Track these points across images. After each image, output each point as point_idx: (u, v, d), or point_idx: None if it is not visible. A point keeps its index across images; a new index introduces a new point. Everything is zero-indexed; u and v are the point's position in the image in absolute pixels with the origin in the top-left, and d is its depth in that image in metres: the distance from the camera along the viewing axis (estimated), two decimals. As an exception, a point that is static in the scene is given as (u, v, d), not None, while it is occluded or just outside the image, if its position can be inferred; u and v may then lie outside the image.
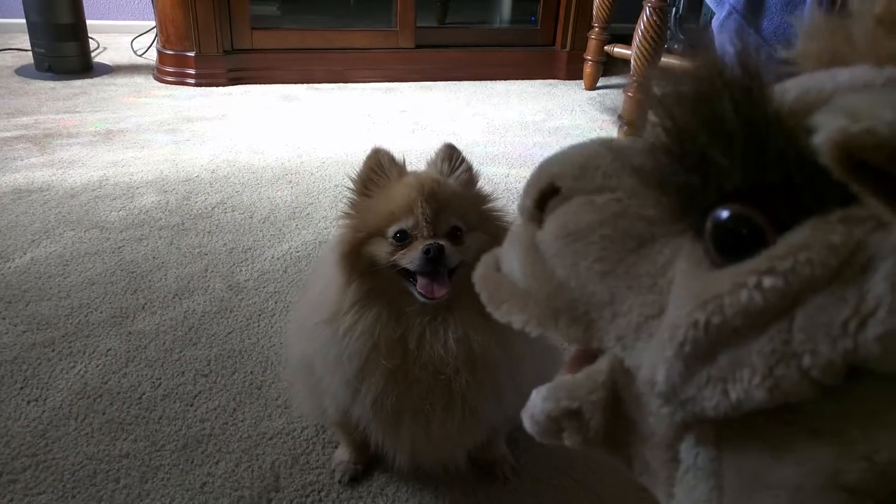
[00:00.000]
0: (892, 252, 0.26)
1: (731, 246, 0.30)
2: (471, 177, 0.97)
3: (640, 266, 0.34)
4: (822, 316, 0.28)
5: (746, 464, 0.32)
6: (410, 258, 0.86)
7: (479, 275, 0.44)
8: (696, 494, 0.34)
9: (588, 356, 0.39)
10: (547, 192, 0.39)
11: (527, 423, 0.41)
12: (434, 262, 0.85)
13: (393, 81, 3.21)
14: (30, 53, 3.03)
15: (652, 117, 0.32)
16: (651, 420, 0.35)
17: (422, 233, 0.88)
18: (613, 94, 3.14)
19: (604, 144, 0.39)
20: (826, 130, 0.26)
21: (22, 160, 2.15)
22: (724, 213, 0.30)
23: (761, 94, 0.30)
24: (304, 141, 2.44)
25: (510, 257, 0.42)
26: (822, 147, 0.26)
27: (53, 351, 1.32)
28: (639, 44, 2.19)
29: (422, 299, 0.87)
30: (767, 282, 0.28)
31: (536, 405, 0.40)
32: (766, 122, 0.29)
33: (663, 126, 0.32)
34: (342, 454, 1.10)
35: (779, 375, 0.28)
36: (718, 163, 0.30)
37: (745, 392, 0.30)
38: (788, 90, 0.32)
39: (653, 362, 0.33)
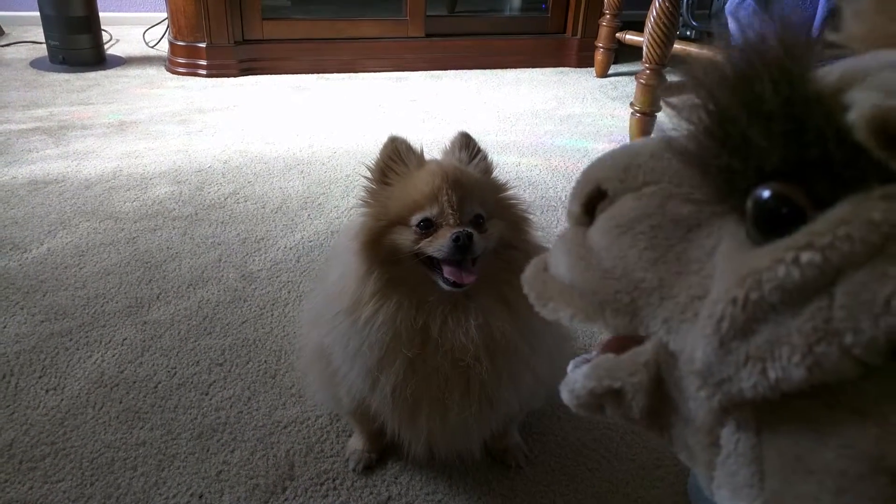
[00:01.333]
0: None
1: (772, 224, 0.30)
2: (488, 165, 0.97)
3: (690, 252, 0.35)
4: (864, 293, 0.27)
5: (788, 448, 0.31)
6: (438, 246, 0.86)
7: (528, 276, 0.44)
8: (738, 480, 0.34)
9: (622, 343, 0.40)
10: (594, 196, 0.40)
11: (565, 397, 0.41)
12: (463, 250, 0.85)
13: (403, 71, 3.21)
14: (44, 46, 3.04)
15: (694, 100, 0.33)
16: (692, 405, 0.35)
17: (447, 220, 0.87)
18: (625, 82, 3.11)
19: (644, 142, 0.40)
20: (860, 106, 0.26)
21: (37, 152, 2.16)
22: (765, 193, 0.30)
23: (801, 74, 0.29)
24: (315, 131, 2.44)
25: (557, 258, 0.42)
26: (856, 122, 0.26)
27: (71, 340, 1.34)
28: (651, 30, 2.17)
29: (448, 287, 0.87)
30: (805, 257, 0.28)
31: (578, 381, 0.40)
32: (805, 101, 0.29)
33: (705, 108, 0.32)
34: (356, 443, 1.11)
35: (819, 353, 0.28)
36: (758, 143, 0.30)
37: (783, 370, 0.29)
38: (833, 72, 0.32)
39: (693, 341, 0.33)
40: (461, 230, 0.85)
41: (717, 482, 0.35)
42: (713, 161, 0.32)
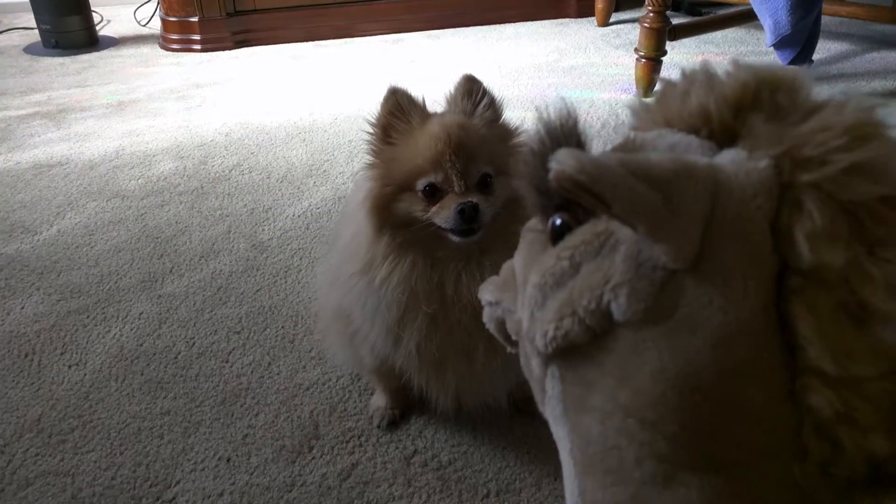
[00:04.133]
0: (627, 239, 0.43)
1: (558, 237, 0.48)
2: (495, 112, 0.94)
3: (541, 258, 0.50)
4: (589, 279, 0.44)
5: (576, 393, 0.47)
6: (444, 217, 0.86)
7: (484, 289, 0.63)
8: (556, 413, 0.49)
9: None
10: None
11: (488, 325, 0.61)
12: (469, 221, 0.85)
13: (400, 32, 3.16)
14: (36, 31, 3.01)
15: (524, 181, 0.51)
16: (532, 362, 0.51)
17: (452, 187, 0.87)
18: (627, 29, 3.06)
19: None
20: (551, 174, 0.40)
21: (39, 136, 2.15)
22: (557, 220, 0.48)
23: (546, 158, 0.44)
24: (314, 99, 2.41)
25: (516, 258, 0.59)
26: (551, 181, 0.40)
27: (88, 317, 1.34)
28: (651, -27, 2.12)
29: (457, 239, 0.87)
30: (565, 254, 0.46)
31: (487, 315, 0.60)
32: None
33: (531, 172, 0.50)
34: (379, 400, 1.11)
35: (563, 320, 0.45)
36: (547, 193, 0.48)
37: (545, 332, 0.46)
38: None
39: (519, 314, 0.51)
40: (466, 202, 0.85)
41: (547, 415, 0.51)
42: (537, 200, 0.50)
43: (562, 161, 0.38)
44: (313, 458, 1.04)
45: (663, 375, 0.41)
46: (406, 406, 1.11)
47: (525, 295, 0.49)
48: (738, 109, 0.44)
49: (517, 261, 0.54)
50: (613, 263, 0.43)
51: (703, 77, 0.46)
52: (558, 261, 0.46)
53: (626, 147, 0.48)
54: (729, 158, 0.42)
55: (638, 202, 0.39)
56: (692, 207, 0.39)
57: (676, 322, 0.41)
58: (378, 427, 1.09)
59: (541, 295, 0.47)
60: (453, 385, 0.98)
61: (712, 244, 0.40)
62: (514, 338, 0.56)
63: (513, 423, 1.10)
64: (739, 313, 0.39)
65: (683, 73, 0.48)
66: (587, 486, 0.47)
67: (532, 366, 0.51)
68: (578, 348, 0.45)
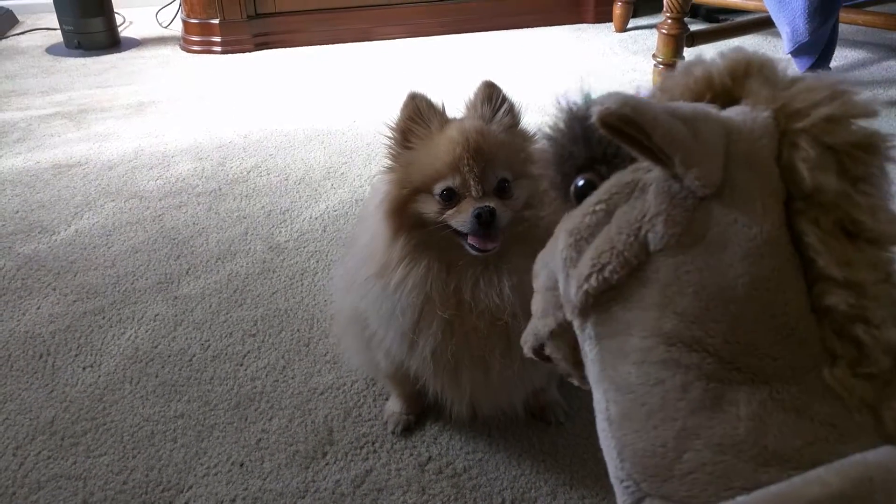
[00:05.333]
0: (657, 179, 0.49)
1: (582, 197, 0.54)
2: (514, 118, 0.93)
3: (562, 225, 0.57)
4: (625, 217, 0.50)
5: (613, 344, 0.51)
6: (461, 220, 0.85)
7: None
8: (594, 375, 0.53)
9: None
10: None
11: (524, 345, 0.63)
12: (486, 225, 0.84)
13: (418, 36, 3.15)
14: (58, 32, 3.04)
15: (547, 146, 0.59)
16: (579, 335, 0.55)
17: (470, 191, 0.86)
18: (645, 35, 3.03)
19: None
20: (594, 115, 0.46)
21: (59, 136, 2.17)
22: (580, 181, 0.55)
23: (586, 116, 0.53)
24: (333, 101, 2.41)
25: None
26: (595, 124, 0.47)
27: (104, 318, 1.34)
28: (672, -22, 2.10)
29: (474, 252, 0.86)
30: (599, 207, 0.52)
31: (528, 330, 0.62)
32: (590, 127, 0.52)
33: (553, 147, 0.58)
34: (394, 405, 1.10)
35: (601, 257, 0.50)
36: (574, 153, 0.56)
37: (582, 277, 0.51)
38: None
39: (560, 283, 0.55)
40: (483, 206, 0.84)
41: (588, 379, 0.55)
42: (555, 175, 0.58)
43: (606, 101, 0.45)
44: (327, 464, 1.03)
45: (705, 292, 0.47)
46: (421, 412, 1.10)
47: (558, 261, 0.54)
48: (735, 77, 0.53)
49: (546, 256, 0.59)
50: (646, 201, 0.49)
51: (700, 60, 0.56)
52: (588, 214, 0.52)
53: None
54: (735, 112, 0.51)
55: (674, 131, 0.45)
56: (714, 140, 0.47)
57: (709, 242, 0.47)
58: (393, 433, 1.08)
59: (574, 251, 0.52)
60: (468, 391, 0.96)
61: (730, 174, 0.48)
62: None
63: (529, 430, 1.08)
64: (762, 228, 0.47)
65: (680, 63, 0.58)
66: (627, 441, 0.49)
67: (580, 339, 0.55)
68: (614, 293, 0.50)
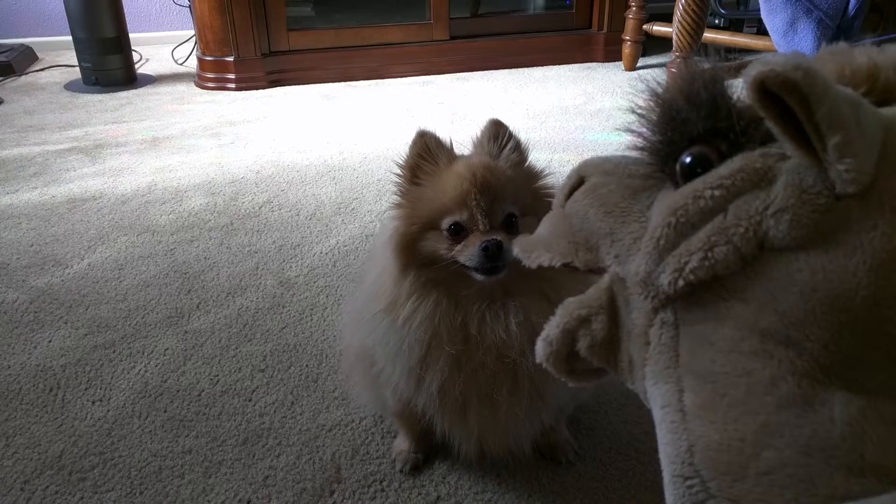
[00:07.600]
0: (788, 170, 0.43)
1: (692, 174, 0.47)
2: (520, 155, 0.94)
3: (633, 206, 0.51)
4: (745, 207, 0.44)
5: (697, 332, 0.47)
6: (469, 255, 0.85)
7: (517, 241, 0.60)
8: (661, 365, 0.49)
9: None
10: (576, 185, 0.56)
11: (539, 349, 0.57)
12: (493, 259, 0.84)
13: (430, 74, 3.20)
14: (77, 69, 3.11)
15: (650, 104, 0.51)
16: (634, 315, 0.50)
17: (477, 226, 0.86)
18: (655, 74, 3.06)
19: (617, 154, 0.58)
20: (748, 75, 0.40)
21: (75, 170, 2.20)
22: (687, 158, 0.48)
23: (718, 79, 0.48)
24: (345, 138, 2.44)
25: (541, 226, 0.60)
26: (746, 85, 0.40)
27: (114, 352, 1.35)
28: (681, 18, 2.13)
29: (480, 277, 0.87)
30: (717, 192, 0.45)
31: (552, 324, 0.56)
32: (720, 94, 0.47)
33: (657, 105, 0.50)
34: (402, 443, 1.09)
35: (715, 248, 0.44)
36: (691, 120, 0.47)
37: (683, 265, 0.45)
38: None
39: (637, 263, 0.49)
40: (490, 240, 0.84)
41: (647, 371, 0.50)
42: (657, 138, 0.50)
43: (773, 62, 0.39)
44: (334, 503, 1.02)
45: (814, 296, 0.42)
46: (429, 450, 1.09)
47: (648, 238, 0.48)
48: None
49: (591, 214, 0.53)
50: (771, 192, 0.44)
51: (860, 47, 0.49)
52: (701, 198, 0.45)
53: None
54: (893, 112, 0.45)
55: (841, 110, 0.39)
56: (874, 132, 0.42)
57: (832, 244, 0.42)
58: (401, 471, 1.07)
59: (674, 233, 0.46)
60: (476, 430, 0.96)
61: (882, 175, 0.42)
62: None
63: (538, 470, 1.07)
64: None
65: (833, 46, 0.51)
66: (701, 433, 0.45)
67: (631, 322, 0.51)
68: (712, 282, 0.46)
